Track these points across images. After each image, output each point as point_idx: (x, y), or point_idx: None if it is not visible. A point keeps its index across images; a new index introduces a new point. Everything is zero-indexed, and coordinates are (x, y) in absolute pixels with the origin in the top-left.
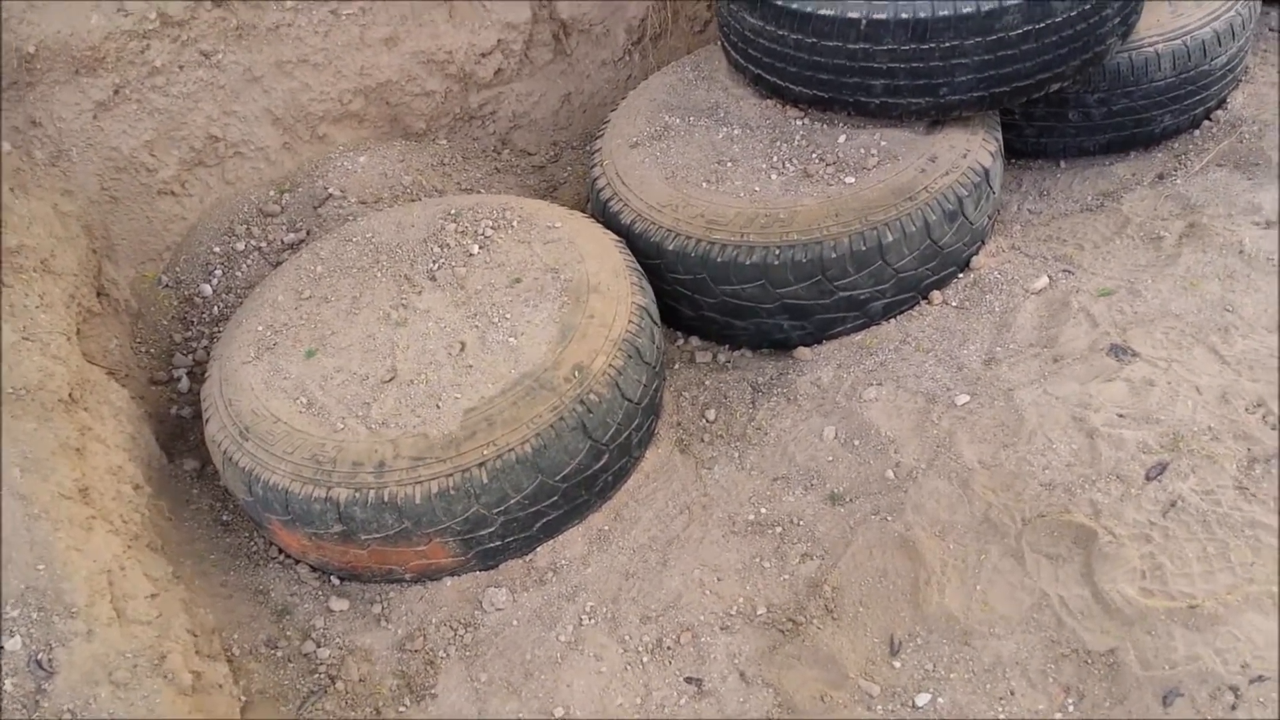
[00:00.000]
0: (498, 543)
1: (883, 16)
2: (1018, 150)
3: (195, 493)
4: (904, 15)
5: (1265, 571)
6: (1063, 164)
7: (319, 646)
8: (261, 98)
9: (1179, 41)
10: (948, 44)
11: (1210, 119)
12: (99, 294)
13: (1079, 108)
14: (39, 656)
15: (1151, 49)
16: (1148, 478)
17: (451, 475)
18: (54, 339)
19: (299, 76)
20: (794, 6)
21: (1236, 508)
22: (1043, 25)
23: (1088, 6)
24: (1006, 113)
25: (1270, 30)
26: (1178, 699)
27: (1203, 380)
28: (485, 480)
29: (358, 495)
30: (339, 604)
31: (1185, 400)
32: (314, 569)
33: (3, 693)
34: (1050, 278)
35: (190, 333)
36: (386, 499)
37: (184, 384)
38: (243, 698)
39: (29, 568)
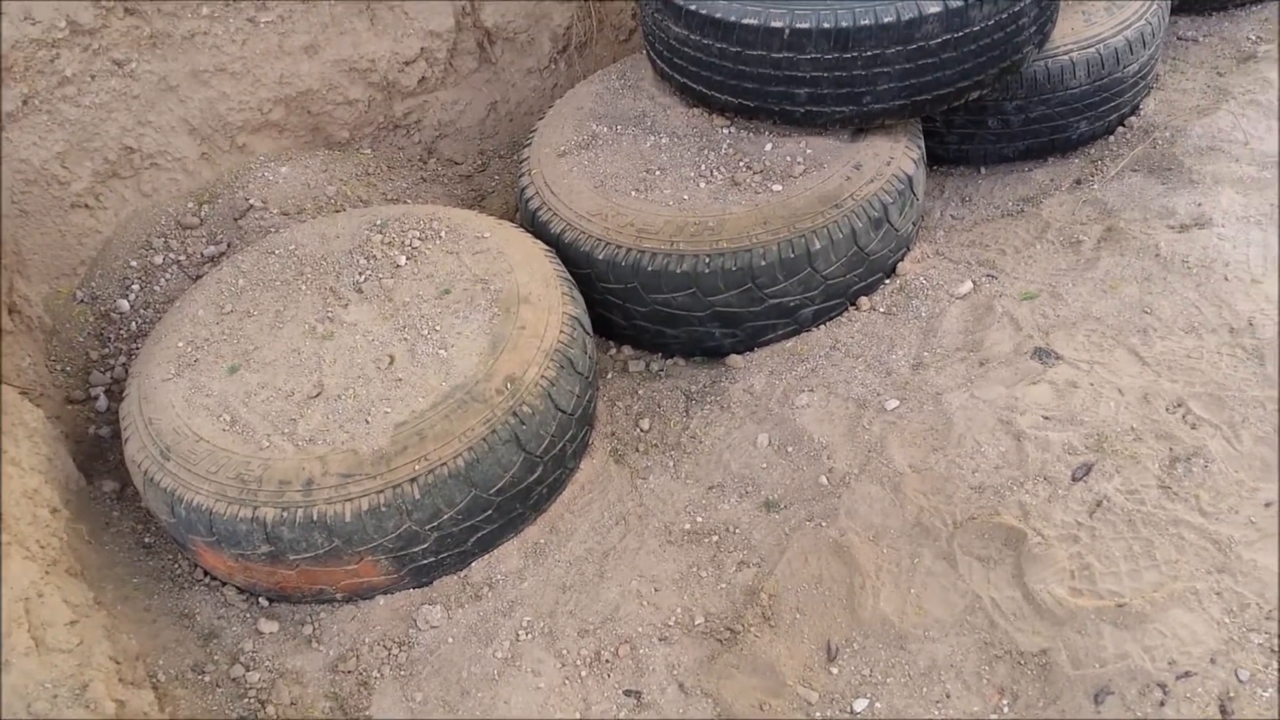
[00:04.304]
0: (431, 559)
1: (805, 26)
2: (940, 157)
3: (115, 515)
4: (826, 25)
5: (1189, 569)
6: (983, 170)
7: (248, 670)
8: (178, 107)
9: (1093, 49)
10: (870, 53)
11: (1124, 125)
12: (10, 311)
13: (998, 115)
14: None
15: (1066, 57)
16: (1074, 479)
17: (382, 491)
18: None
19: (216, 85)
20: (718, 16)
21: (1160, 506)
22: (961, 34)
23: (1004, 15)
24: (928, 120)
25: (1178, 39)
26: (1108, 697)
27: (1124, 381)
28: (417, 496)
29: (285, 514)
30: (268, 626)
31: (1108, 401)
32: (241, 590)
33: None
34: (974, 282)
35: (108, 350)
36: (315, 518)
37: (102, 403)
38: None
39: None
